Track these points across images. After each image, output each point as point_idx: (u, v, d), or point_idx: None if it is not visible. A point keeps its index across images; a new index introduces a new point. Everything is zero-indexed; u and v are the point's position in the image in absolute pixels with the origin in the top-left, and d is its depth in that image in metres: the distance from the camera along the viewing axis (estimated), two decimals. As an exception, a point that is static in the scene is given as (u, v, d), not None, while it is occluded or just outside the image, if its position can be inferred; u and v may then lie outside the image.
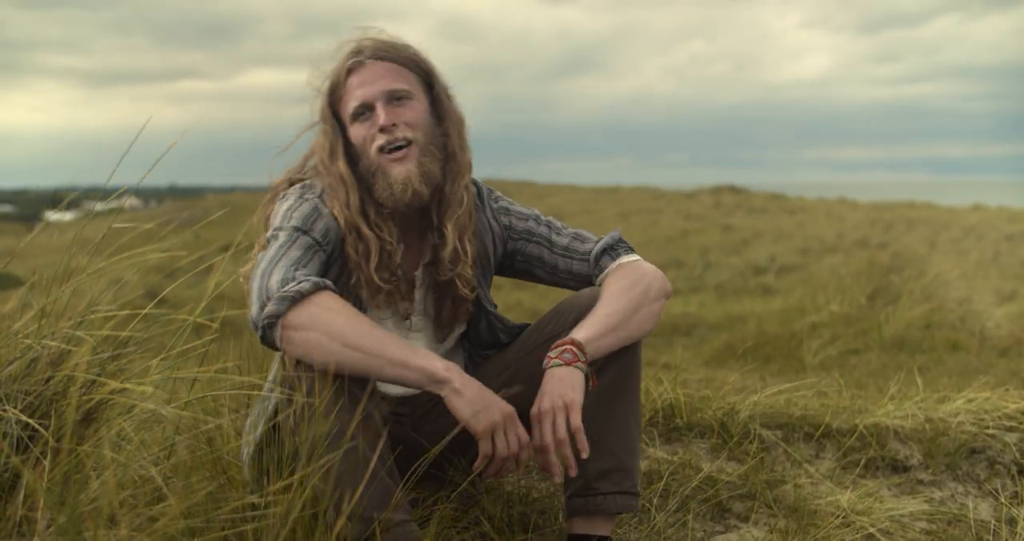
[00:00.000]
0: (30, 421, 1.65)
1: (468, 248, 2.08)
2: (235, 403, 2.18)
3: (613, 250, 2.14)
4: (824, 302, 7.18)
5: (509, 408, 1.82)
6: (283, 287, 1.77)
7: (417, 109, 2.04)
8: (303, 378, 1.77)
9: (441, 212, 2.07)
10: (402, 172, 1.99)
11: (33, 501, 1.56)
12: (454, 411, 1.78)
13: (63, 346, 1.78)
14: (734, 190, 28.38)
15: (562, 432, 1.83)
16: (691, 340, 7.66)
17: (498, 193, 2.24)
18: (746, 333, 7.03)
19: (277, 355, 1.97)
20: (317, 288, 1.77)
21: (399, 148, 1.99)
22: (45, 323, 1.83)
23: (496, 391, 1.95)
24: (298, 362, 1.79)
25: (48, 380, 1.74)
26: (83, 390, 1.74)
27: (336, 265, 1.99)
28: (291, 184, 2.08)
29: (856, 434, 2.93)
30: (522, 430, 1.82)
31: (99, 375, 1.76)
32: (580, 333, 1.93)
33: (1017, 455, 2.92)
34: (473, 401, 1.78)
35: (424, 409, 2.10)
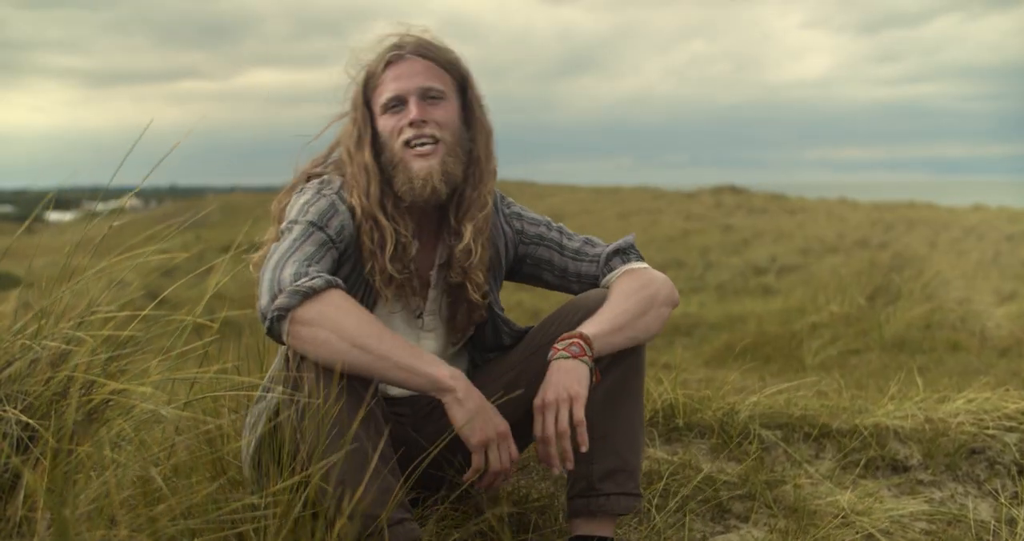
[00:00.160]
0: (30, 421, 1.65)
1: (480, 251, 2.09)
2: (235, 403, 2.18)
3: (624, 254, 2.16)
4: (824, 302, 7.18)
5: (505, 425, 1.84)
6: (296, 281, 1.78)
7: (449, 110, 2.05)
8: (305, 377, 1.78)
9: (460, 214, 2.08)
10: (424, 168, 2.00)
11: (33, 501, 1.56)
12: (452, 419, 1.80)
13: (63, 347, 1.78)
14: (735, 190, 28.37)
15: (564, 424, 1.84)
16: (691, 340, 7.66)
17: (510, 199, 2.26)
18: (746, 333, 7.03)
19: (279, 354, 1.97)
20: (329, 285, 1.78)
21: (425, 144, 2.01)
22: (45, 323, 1.83)
23: (500, 391, 1.97)
24: (302, 359, 1.79)
25: (48, 381, 1.74)
26: (83, 391, 1.74)
27: (348, 263, 2.00)
28: (309, 178, 2.09)
29: (856, 434, 2.93)
30: (514, 448, 1.86)
31: (99, 376, 1.76)
32: (588, 328, 1.94)
33: (1017, 455, 2.92)
34: (472, 413, 1.80)
35: (425, 410, 2.10)
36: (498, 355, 2.21)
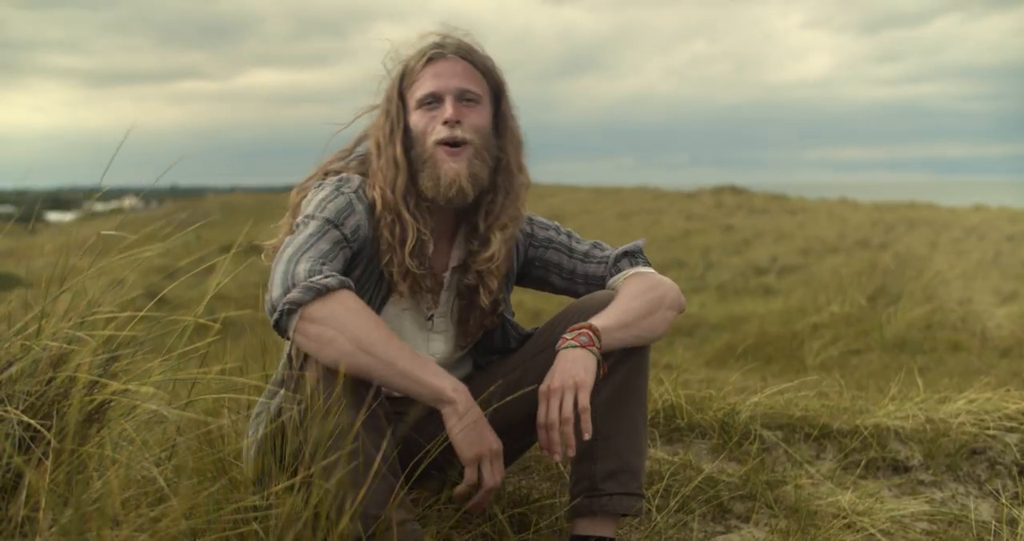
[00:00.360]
0: (32, 422, 1.65)
1: (503, 260, 2.11)
2: (236, 404, 2.18)
3: (633, 257, 2.18)
4: (825, 302, 7.18)
5: (498, 444, 1.85)
6: (310, 277, 1.78)
7: (482, 115, 2.07)
8: (308, 377, 1.78)
9: (491, 221, 2.09)
10: (452, 168, 2.01)
11: (35, 501, 1.56)
12: (449, 431, 1.81)
13: (64, 347, 1.78)
14: (735, 190, 28.35)
15: (568, 410, 1.85)
16: (692, 340, 7.66)
17: None
18: (747, 333, 7.02)
19: (283, 355, 1.98)
20: (342, 286, 1.79)
21: (456, 145, 2.01)
22: (46, 324, 1.84)
23: (504, 390, 1.97)
24: (305, 358, 1.80)
25: (50, 381, 1.74)
26: (85, 391, 1.74)
27: (361, 265, 2.00)
28: (326, 174, 2.09)
29: (857, 435, 2.93)
30: (502, 468, 1.86)
31: (101, 376, 1.77)
32: (598, 321, 1.96)
33: (1018, 456, 2.92)
34: (469, 428, 1.81)
35: (427, 409, 2.11)
36: (502, 357, 2.21)
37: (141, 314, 1.88)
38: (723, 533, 2.40)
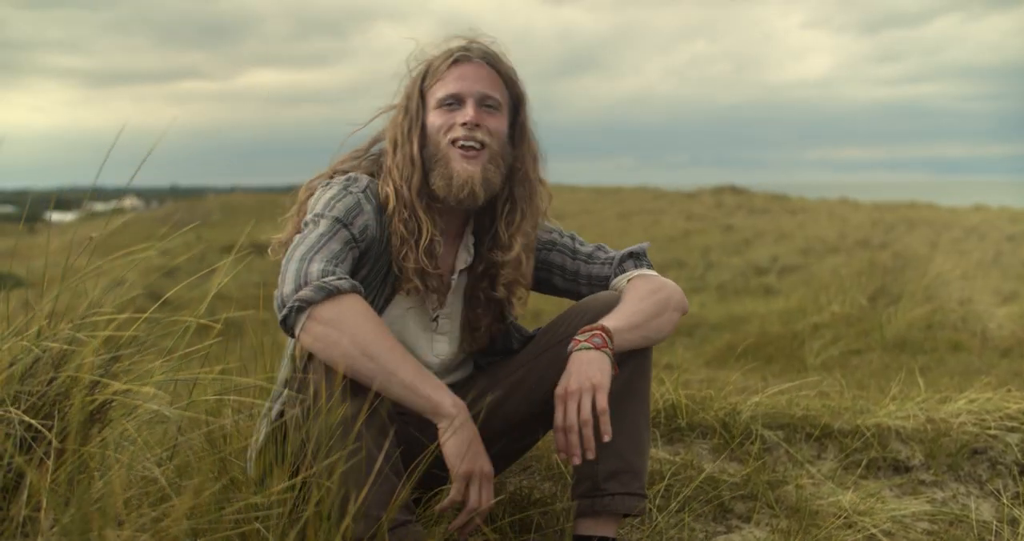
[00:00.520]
0: (33, 422, 1.65)
1: (526, 266, 2.12)
2: (238, 404, 2.18)
3: (638, 258, 2.18)
4: (826, 302, 7.17)
5: (490, 467, 1.86)
6: (323, 277, 1.79)
7: (501, 122, 2.08)
8: (311, 378, 1.78)
9: (511, 229, 2.10)
10: (466, 169, 2.02)
11: (37, 501, 1.56)
12: (443, 445, 1.81)
13: (65, 347, 1.78)
14: (735, 190, 28.34)
15: (587, 413, 1.85)
16: (693, 340, 7.65)
17: None
18: (748, 333, 7.02)
19: (285, 356, 1.98)
20: (353, 290, 1.80)
21: (472, 148, 2.02)
22: (47, 324, 1.84)
23: (506, 390, 1.97)
24: (309, 359, 1.80)
25: (51, 381, 1.74)
26: (86, 391, 1.74)
27: (368, 264, 2.00)
28: (334, 174, 2.10)
29: (858, 435, 2.93)
30: (491, 492, 1.87)
31: (102, 376, 1.77)
32: (609, 322, 1.96)
33: (1019, 455, 2.92)
34: (463, 444, 1.81)
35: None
36: (504, 358, 2.21)
37: (144, 316, 1.88)
38: (724, 533, 2.40)
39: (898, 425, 2.99)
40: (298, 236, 1.92)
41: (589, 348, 1.90)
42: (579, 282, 2.22)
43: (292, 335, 1.81)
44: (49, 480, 1.58)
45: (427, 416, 1.82)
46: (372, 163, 2.12)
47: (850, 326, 6.68)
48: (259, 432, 1.95)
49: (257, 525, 1.62)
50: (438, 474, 2.04)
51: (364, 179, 2.04)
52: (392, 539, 1.75)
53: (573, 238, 2.25)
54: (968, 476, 2.87)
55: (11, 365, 1.76)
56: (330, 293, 1.77)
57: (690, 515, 2.39)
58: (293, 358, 1.88)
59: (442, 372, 2.17)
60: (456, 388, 2.16)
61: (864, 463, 2.83)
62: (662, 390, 2.98)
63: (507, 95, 2.10)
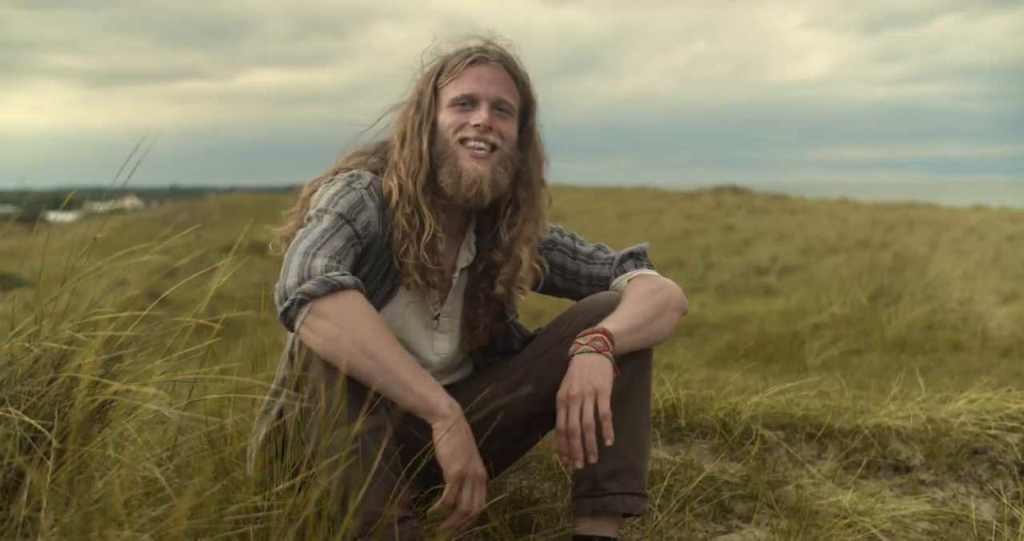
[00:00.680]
0: (33, 422, 1.65)
1: (526, 268, 2.12)
2: (238, 404, 2.18)
3: (638, 258, 2.19)
4: (826, 302, 7.17)
5: (483, 470, 1.86)
6: (326, 272, 1.79)
7: (512, 126, 2.09)
8: (310, 376, 1.78)
9: (514, 235, 2.11)
10: (476, 169, 2.02)
11: (37, 501, 1.56)
12: (436, 446, 1.82)
13: (65, 347, 1.78)
14: (735, 190, 28.34)
15: (589, 417, 1.85)
16: (693, 340, 7.65)
17: None
18: (748, 333, 7.02)
19: (284, 354, 1.98)
20: (356, 286, 1.80)
21: (482, 149, 2.03)
22: (47, 324, 1.84)
23: (507, 390, 1.96)
24: (310, 352, 1.80)
25: (51, 381, 1.74)
26: (86, 391, 1.74)
27: (370, 261, 2.00)
28: (336, 172, 2.10)
29: (858, 434, 2.93)
30: (484, 495, 1.87)
31: (102, 376, 1.77)
32: (610, 324, 1.96)
33: (1019, 455, 2.92)
34: (458, 446, 1.82)
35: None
36: (504, 358, 2.21)
37: (143, 314, 1.88)
38: (724, 533, 2.40)
39: (898, 425, 2.99)
40: (301, 231, 1.92)
41: (591, 351, 1.90)
42: (579, 282, 2.22)
43: (291, 329, 1.81)
44: (49, 480, 1.58)
45: (422, 416, 1.83)
46: (379, 160, 2.12)
47: (850, 326, 6.68)
48: (258, 432, 1.95)
49: (257, 526, 1.62)
50: (436, 473, 2.04)
51: (367, 176, 2.05)
52: (390, 536, 1.75)
53: (574, 238, 2.25)
54: (968, 476, 2.87)
55: (11, 365, 1.76)
56: (333, 288, 1.77)
57: (690, 515, 2.39)
58: (291, 357, 1.87)
59: (443, 371, 2.17)
60: (456, 388, 2.16)
61: (864, 463, 2.83)
62: (662, 390, 2.98)
63: (519, 99, 2.11)
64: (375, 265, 2.01)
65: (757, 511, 2.48)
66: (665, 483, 2.47)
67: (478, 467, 1.85)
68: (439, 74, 2.09)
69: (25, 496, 1.58)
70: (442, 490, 1.86)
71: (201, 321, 1.89)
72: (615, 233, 18.74)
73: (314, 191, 2.07)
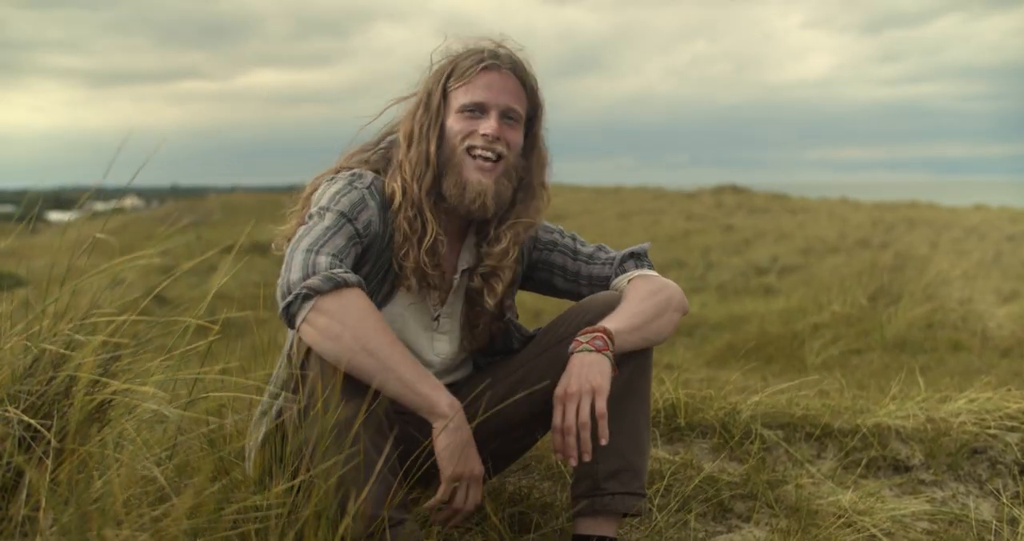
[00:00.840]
0: (32, 421, 1.65)
1: (511, 265, 2.12)
2: (237, 404, 2.18)
3: (639, 258, 2.19)
4: (826, 302, 7.17)
5: (481, 470, 1.87)
6: (330, 269, 1.79)
7: (519, 135, 2.09)
8: (309, 376, 1.78)
9: (503, 229, 2.11)
10: (480, 181, 2.02)
11: (36, 501, 1.56)
12: (436, 445, 1.82)
13: (64, 347, 1.78)
14: (736, 190, 28.33)
15: (585, 415, 1.85)
16: (693, 340, 7.65)
17: None
18: (748, 333, 7.02)
19: (282, 355, 1.97)
20: (359, 285, 1.80)
21: (488, 160, 2.03)
22: (46, 323, 1.84)
23: (507, 390, 1.97)
24: (306, 357, 1.80)
25: (50, 380, 1.74)
26: (86, 390, 1.74)
27: (370, 261, 2.00)
28: (338, 171, 2.09)
29: (858, 434, 2.93)
30: (480, 494, 1.88)
31: (101, 375, 1.77)
32: (610, 324, 1.96)
33: (1019, 455, 2.92)
34: (457, 445, 1.82)
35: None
36: (503, 358, 2.21)
37: (140, 312, 1.88)
38: (724, 532, 2.40)
39: (898, 425, 2.99)
40: (302, 228, 1.92)
41: (590, 350, 1.91)
42: (580, 283, 2.22)
43: (292, 325, 1.81)
44: (48, 479, 1.58)
45: (423, 415, 1.83)
46: (381, 157, 2.12)
47: (850, 326, 6.67)
48: (258, 432, 1.95)
49: (257, 526, 1.62)
50: (436, 473, 2.05)
51: (369, 176, 2.04)
52: (389, 538, 1.75)
53: (574, 239, 2.25)
54: (968, 476, 2.87)
55: (10, 364, 1.76)
56: (337, 284, 1.77)
57: (689, 514, 2.39)
58: (290, 357, 1.87)
59: (442, 372, 2.17)
60: (456, 387, 2.16)
61: (864, 463, 2.83)
62: (662, 390, 2.98)
63: (527, 106, 2.11)
64: (375, 265, 2.01)
65: (757, 511, 2.48)
66: (665, 483, 2.47)
67: (475, 467, 1.85)
68: (449, 76, 2.08)
69: (24, 495, 1.58)
70: (439, 486, 1.86)
71: (200, 321, 1.89)
72: (615, 233, 18.74)
73: (315, 189, 2.07)
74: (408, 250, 2.01)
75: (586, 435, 1.86)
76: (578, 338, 1.94)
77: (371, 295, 2.00)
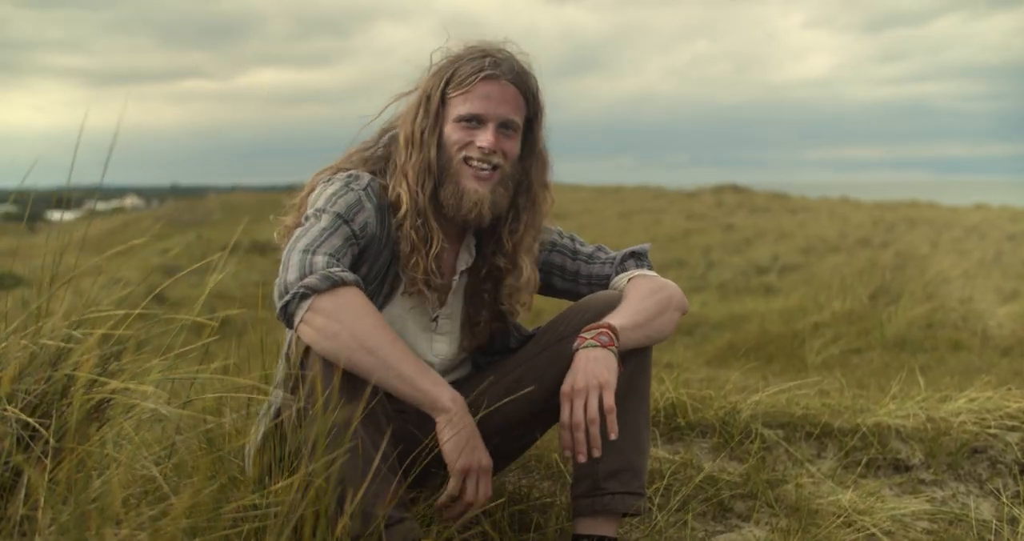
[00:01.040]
0: (30, 420, 1.65)
1: (532, 276, 2.13)
2: (236, 402, 2.18)
3: (639, 258, 2.19)
4: (826, 301, 7.17)
5: (489, 461, 1.86)
6: (328, 268, 1.79)
7: (516, 144, 2.08)
8: (308, 375, 1.78)
9: (515, 240, 2.11)
10: (476, 190, 2.02)
11: (35, 500, 1.56)
12: (441, 441, 1.81)
13: (63, 345, 1.78)
14: (736, 189, 28.34)
15: (594, 411, 1.85)
16: (693, 339, 7.65)
17: None
18: (748, 332, 7.02)
19: (281, 354, 1.97)
20: (356, 284, 1.80)
21: (484, 169, 2.02)
22: (45, 322, 1.83)
23: (507, 389, 1.96)
24: (305, 356, 1.79)
25: (48, 379, 1.74)
26: (84, 389, 1.74)
27: (367, 262, 2.00)
28: (335, 172, 2.09)
29: (858, 433, 2.92)
30: (490, 486, 1.86)
31: (100, 374, 1.76)
32: (614, 320, 1.96)
33: (1019, 454, 2.92)
34: (462, 439, 1.81)
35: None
36: (502, 357, 2.21)
37: (138, 311, 1.88)
38: (724, 532, 2.40)
39: (898, 424, 2.99)
40: (299, 229, 1.92)
41: (596, 346, 1.90)
42: (579, 282, 2.22)
43: (290, 325, 1.81)
44: (47, 479, 1.58)
45: (425, 410, 1.82)
46: (380, 156, 2.12)
47: (850, 325, 6.67)
48: (257, 431, 1.94)
49: (255, 525, 1.62)
50: (435, 472, 2.04)
51: (365, 177, 2.04)
52: (388, 536, 1.74)
53: (573, 239, 2.25)
54: (968, 475, 2.87)
55: (8, 364, 1.76)
56: (335, 283, 1.77)
57: (690, 514, 2.39)
58: (288, 357, 1.87)
59: (441, 372, 2.17)
60: (455, 387, 2.16)
61: (864, 462, 2.83)
62: (662, 389, 2.98)
63: (526, 112, 2.10)
64: (373, 267, 2.01)
65: (757, 510, 2.47)
66: (665, 482, 2.47)
67: (483, 459, 1.85)
68: (448, 82, 2.06)
69: (23, 494, 1.58)
70: (446, 483, 1.86)
71: (199, 319, 1.89)
72: (616, 232, 18.75)
73: (314, 189, 2.07)
74: (417, 260, 2.01)
75: (595, 431, 1.86)
76: (582, 334, 1.94)
77: (370, 297, 2.00)
